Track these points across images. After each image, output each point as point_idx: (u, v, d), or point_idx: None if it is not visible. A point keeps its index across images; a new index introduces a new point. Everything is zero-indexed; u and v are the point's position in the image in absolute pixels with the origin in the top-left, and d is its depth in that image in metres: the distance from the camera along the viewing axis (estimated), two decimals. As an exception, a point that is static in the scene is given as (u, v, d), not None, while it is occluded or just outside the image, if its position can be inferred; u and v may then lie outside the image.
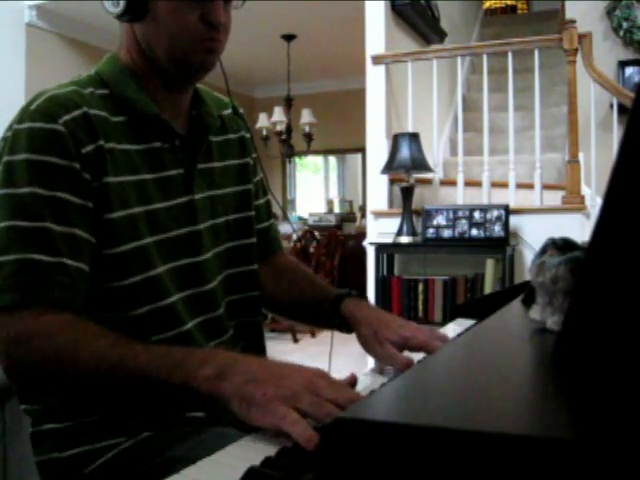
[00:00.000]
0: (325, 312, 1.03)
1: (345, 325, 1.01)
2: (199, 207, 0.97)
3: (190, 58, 0.90)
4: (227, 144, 1.06)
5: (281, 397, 0.65)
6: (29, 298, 0.78)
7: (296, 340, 4.98)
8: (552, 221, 3.16)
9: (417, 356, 0.92)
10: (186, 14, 0.88)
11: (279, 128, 5.92)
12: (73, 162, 0.82)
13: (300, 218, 7.60)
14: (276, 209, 1.29)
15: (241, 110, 1.12)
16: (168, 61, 0.91)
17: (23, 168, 0.81)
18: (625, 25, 4.27)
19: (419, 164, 3.28)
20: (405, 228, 3.29)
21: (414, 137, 3.32)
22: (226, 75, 1.02)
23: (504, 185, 3.45)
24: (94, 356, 0.76)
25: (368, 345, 0.96)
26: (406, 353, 0.93)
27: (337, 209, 7.92)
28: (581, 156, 3.28)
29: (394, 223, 3.37)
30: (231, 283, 1.03)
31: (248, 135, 1.12)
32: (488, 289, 3.04)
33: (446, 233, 3.25)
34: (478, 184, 3.52)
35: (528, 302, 0.76)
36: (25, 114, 0.84)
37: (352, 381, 0.79)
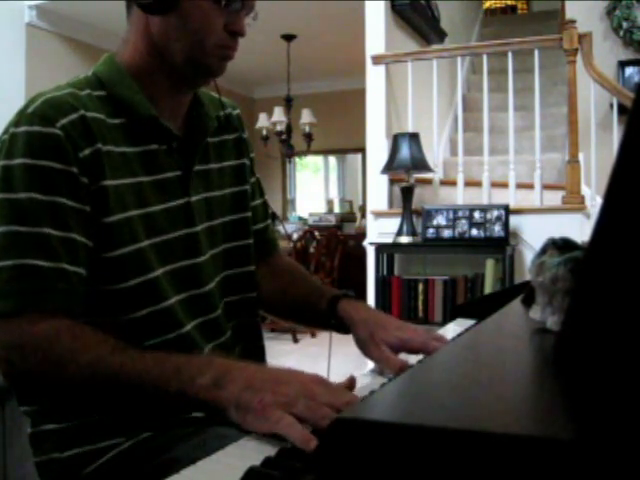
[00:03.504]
0: (322, 313, 1.03)
1: (342, 326, 1.01)
2: (196, 209, 0.96)
3: (206, 61, 0.90)
4: (224, 145, 1.06)
5: (277, 403, 0.65)
6: (27, 304, 0.78)
7: (296, 340, 4.97)
8: (552, 221, 3.16)
9: (414, 358, 0.92)
10: (213, 18, 0.88)
11: (279, 128, 5.91)
12: (71, 166, 0.82)
13: (300, 218, 7.60)
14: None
15: (238, 110, 1.11)
16: (184, 59, 0.90)
17: (20, 173, 0.80)
18: (625, 25, 4.27)
19: (419, 164, 3.28)
20: (405, 228, 3.29)
21: (414, 137, 3.32)
22: (216, 81, 1.00)
23: (504, 185, 3.44)
24: (93, 364, 0.76)
25: (365, 347, 0.96)
26: (403, 355, 0.93)
27: (337, 209, 7.91)
28: (581, 156, 3.28)
29: (394, 223, 3.37)
30: (229, 284, 1.03)
31: (245, 135, 1.11)
32: (488, 289, 3.03)
33: (446, 233, 3.25)
34: (478, 184, 3.51)
35: (528, 302, 0.77)
36: (22, 117, 0.83)
37: (351, 384, 0.79)
